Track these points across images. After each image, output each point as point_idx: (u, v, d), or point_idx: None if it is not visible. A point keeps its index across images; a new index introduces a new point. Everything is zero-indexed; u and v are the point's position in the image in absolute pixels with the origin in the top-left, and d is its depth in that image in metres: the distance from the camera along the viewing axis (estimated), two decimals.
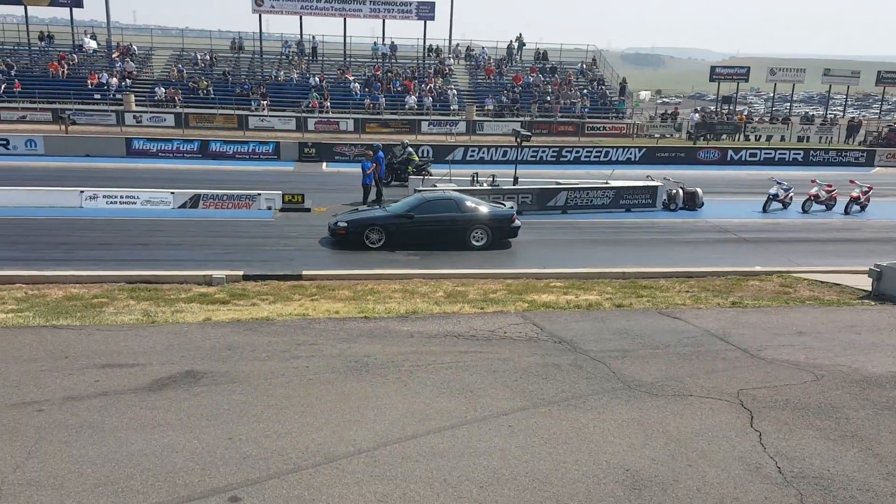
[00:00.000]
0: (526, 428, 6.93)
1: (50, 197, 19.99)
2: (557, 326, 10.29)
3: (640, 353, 9.18)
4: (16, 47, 44.47)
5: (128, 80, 41.50)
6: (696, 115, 47.83)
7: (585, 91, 47.00)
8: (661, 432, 6.90)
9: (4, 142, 30.17)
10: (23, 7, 43.34)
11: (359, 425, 6.91)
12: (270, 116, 39.76)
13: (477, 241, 16.49)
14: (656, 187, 22.86)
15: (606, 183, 22.98)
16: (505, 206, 17.82)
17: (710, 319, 10.89)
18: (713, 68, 51.64)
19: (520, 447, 6.53)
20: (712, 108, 53.83)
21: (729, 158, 36.61)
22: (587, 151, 34.89)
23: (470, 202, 16.99)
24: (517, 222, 16.87)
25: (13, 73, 40.51)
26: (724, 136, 44.65)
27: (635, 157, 35.22)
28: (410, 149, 26.36)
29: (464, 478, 5.98)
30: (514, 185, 22.13)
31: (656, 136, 43.68)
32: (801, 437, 6.86)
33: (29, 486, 5.71)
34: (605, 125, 43.60)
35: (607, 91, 47.69)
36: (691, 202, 22.82)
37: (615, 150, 35.38)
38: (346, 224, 16.34)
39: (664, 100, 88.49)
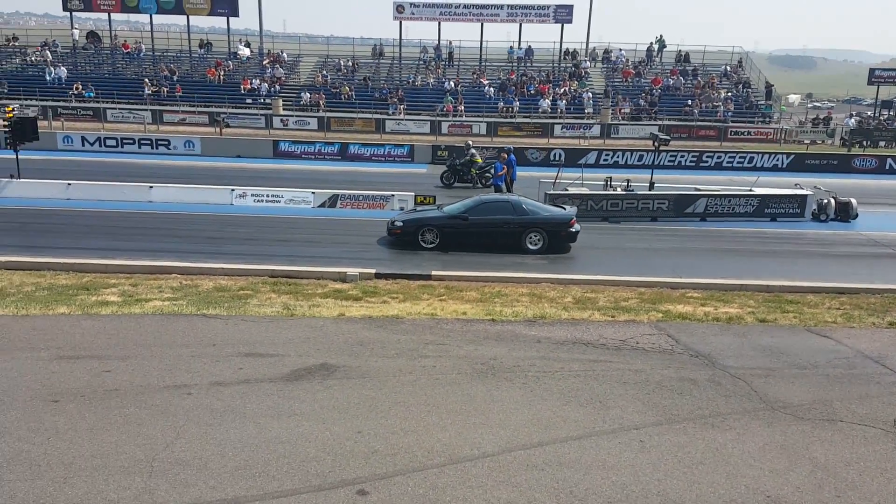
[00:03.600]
0: (658, 444, 6.67)
1: (204, 194, 21.51)
2: (694, 339, 9.85)
3: (786, 373, 8.62)
4: (178, 55, 48.18)
5: (277, 86, 43.86)
6: (852, 120, 44.48)
7: (729, 94, 44.83)
8: (807, 459, 6.45)
9: (166, 142, 32.80)
10: (185, 17, 46.90)
11: (484, 429, 6.90)
12: (406, 120, 40.76)
13: (533, 244, 16.23)
14: (806, 196, 21.43)
15: (750, 190, 21.80)
16: (565, 209, 17.41)
17: (865, 340, 10.08)
18: (872, 71, 48.30)
19: (651, 464, 6.29)
20: (869, 113, 49.83)
21: (888, 167, 33.78)
22: (730, 157, 33.24)
23: (527, 205, 16.72)
24: (576, 227, 16.43)
25: (175, 78, 43.87)
26: (882, 144, 41.38)
27: (783, 163, 33.25)
28: (474, 150, 25.79)
29: (591, 492, 5.82)
30: (649, 190, 21.46)
31: (806, 141, 41.04)
32: None
33: (177, 465, 6.12)
34: (749, 130, 41.47)
35: (752, 94, 45.26)
36: (844, 213, 21.22)
37: (760, 155, 33.51)
38: (402, 224, 16.55)
39: (815, 104, 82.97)
